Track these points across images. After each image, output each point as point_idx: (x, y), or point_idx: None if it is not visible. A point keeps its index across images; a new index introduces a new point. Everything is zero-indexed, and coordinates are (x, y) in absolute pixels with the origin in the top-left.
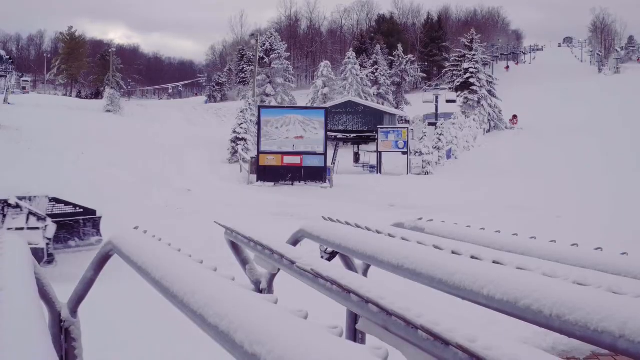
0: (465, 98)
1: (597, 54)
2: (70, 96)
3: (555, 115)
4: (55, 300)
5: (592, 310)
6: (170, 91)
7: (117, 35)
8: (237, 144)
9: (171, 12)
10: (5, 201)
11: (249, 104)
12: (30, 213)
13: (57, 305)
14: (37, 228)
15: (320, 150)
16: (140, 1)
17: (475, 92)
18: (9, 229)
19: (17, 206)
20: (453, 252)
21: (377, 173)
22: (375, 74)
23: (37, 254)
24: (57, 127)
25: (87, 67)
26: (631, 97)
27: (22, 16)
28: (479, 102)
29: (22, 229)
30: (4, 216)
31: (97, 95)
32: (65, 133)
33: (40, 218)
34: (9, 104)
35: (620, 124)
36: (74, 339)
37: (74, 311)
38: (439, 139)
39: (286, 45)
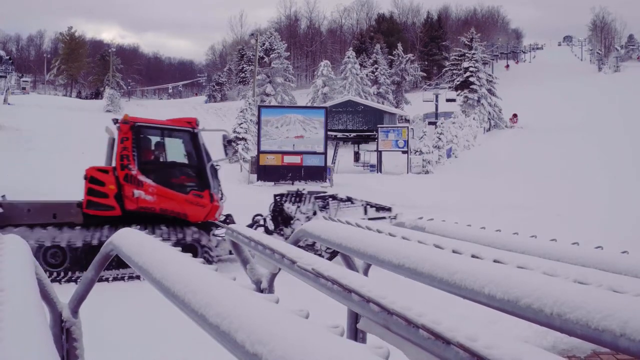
0: (465, 97)
1: (597, 53)
2: (70, 96)
3: (556, 114)
4: (56, 301)
5: (592, 308)
6: (170, 91)
7: (112, 34)
8: (237, 144)
9: (166, 12)
10: (333, 196)
11: (249, 103)
12: (369, 205)
13: (58, 306)
14: (383, 217)
15: (321, 149)
16: (135, 1)
17: (475, 91)
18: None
19: (348, 199)
20: (454, 251)
21: (378, 172)
22: (375, 73)
23: None
24: (57, 128)
25: (86, 67)
26: (631, 96)
27: (16, 16)
28: (478, 101)
29: (361, 219)
30: (324, 209)
31: (97, 95)
32: (65, 133)
33: (384, 209)
34: (8, 104)
35: (620, 123)
36: (75, 339)
37: (74, 311)
38: (439, 138)
39: (286, 44)
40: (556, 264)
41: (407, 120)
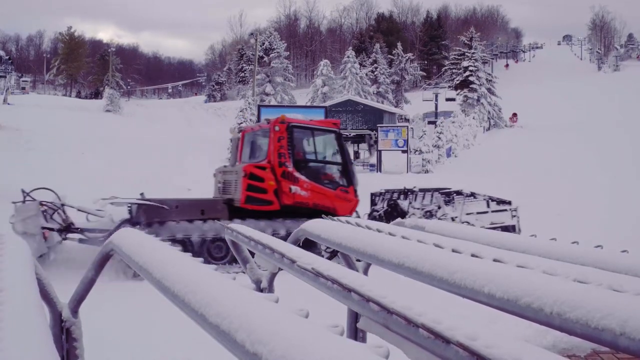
0: (465, 96)
1: (597, 52)
2: (70, 96)
3: (555, 113)
4: (56, 301)
5: (592, 308)
6: (170, 91)
7: (108, 34)
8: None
9: (164, 12)
10: (459, 191)
11: (249, 103)
12: (491, 199)
13: (58, 306)
14: (505, 210)
15: None
16: (131, 0)
17: (474, 90)
18: (468, 214)
19: (472, 194)
20: (453, 251)
21: (377, 172)
22: (375, 73)
23: (507, 229)
24: (57, 128)
25: (86, 67)
26: (631, 95)
27: (13, 16)
28: (478, 100)
29: (485, 212)
30: (448, 203)
31: (97, 95)
32: (65, 133)
33: (505, 202)
34: (8, 104)
35: (620, 122)
36: (75, 339)
37: (74, 311)
38: (439, 138)
39: (285, 44)
40: (556, 263)
41: (407, 120)
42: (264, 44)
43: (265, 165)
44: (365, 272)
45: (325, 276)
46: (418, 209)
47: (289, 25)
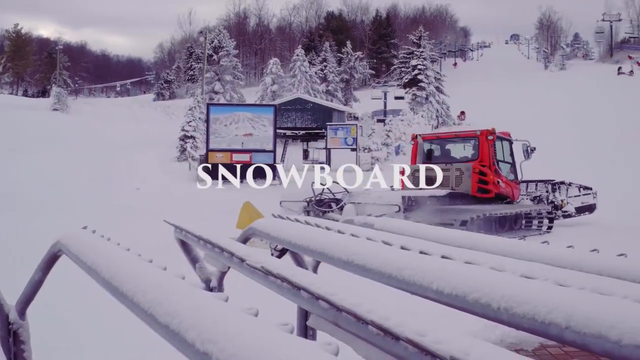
0: (414, 94)
1: (544, 51)
2: (16, 95)
3: (503, 111)
4: (2, 303)
5: (539, 302)
6: (118, 89)
7: (49, 31)
8: (186, 142)
9: (111, 8)
10: (562, 181)
11: (198, 101)
12: (582, 187)
13: (4, 308)
14: (589, 193)
15: (270, 147)
16: None
17: (423, 88)
18: (569, 197)
19: (570, 183)
20: (402, 248)
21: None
22: (324, 71)
23: (591, 207)
24: (4, 127)
25: (33, 65)
26: (576, 93)
27: None
28: (427, 98)
29: (578, 195)
30: (554, 190)
31: (44, 93)
32: (12, 133)
33: (587, 188)
34: None
35: (566, 119)
36: (23, 341)
37: (22, 313)
38: (388, 135)
39: (235, 42)
40: (503, 259)
41: (356, 118)
42: (213, 42)
43: (485, 164)
44: (315, 270)
45: (274, 274)
46: (523, 194)
47: (239, 23)
